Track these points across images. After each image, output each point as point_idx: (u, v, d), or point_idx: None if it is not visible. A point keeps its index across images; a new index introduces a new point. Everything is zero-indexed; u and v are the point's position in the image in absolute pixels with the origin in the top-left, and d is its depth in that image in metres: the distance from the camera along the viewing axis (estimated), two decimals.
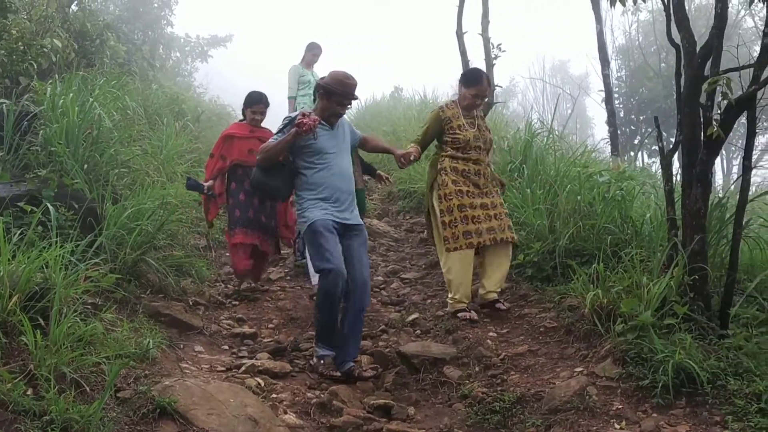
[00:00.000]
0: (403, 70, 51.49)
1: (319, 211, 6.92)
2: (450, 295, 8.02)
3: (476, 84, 8.17)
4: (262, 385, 6.43)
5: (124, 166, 9.08)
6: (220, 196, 9.41)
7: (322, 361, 6.88)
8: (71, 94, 9.10)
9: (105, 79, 11.55)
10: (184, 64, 26.49)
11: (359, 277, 6.92)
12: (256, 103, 9.40)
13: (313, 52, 13.95)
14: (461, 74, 8.57)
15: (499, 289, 8.07)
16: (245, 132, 9.36)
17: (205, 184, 9.19)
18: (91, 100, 9.27)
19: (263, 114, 9.50)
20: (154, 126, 12.51)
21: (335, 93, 7.09)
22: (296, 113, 7.13)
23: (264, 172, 7.14)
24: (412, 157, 7.75)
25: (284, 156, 7.14)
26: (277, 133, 7.19)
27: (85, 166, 8.25)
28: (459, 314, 7.80)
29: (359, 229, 7.20)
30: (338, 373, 6.76)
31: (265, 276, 9.85)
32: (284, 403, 6.18)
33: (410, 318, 8.30)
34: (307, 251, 8.85)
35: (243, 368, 6.74)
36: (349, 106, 7.50)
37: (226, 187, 9.40)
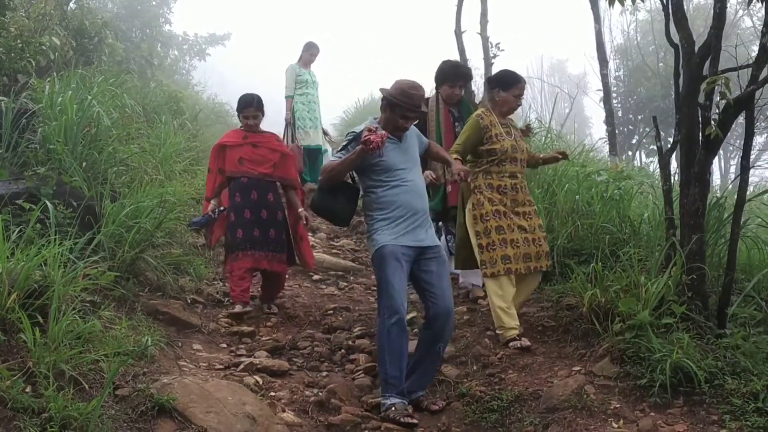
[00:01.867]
0: (401, 69, 51.42)
1: (389, 234, 6.21)
2: (497, 326, 7.20)
3: (517, 82, 7.46)
4: (261, 383, 6.45)
5: (123, 164, 9.08)
6: (225, 210, 8.54)
7: (393, 408, 6.00)
8: (69, 92, 9.09)
9: (103, 77, 11.54)
10: (182, 62, 26.48)
11: (442, 305, 6.24)
12: (246, 106, 8.62)
13: (310, 52, 13.92)
14: (492, 79, 7.72)
15: (518, 309, 7.39)
16: (238, 139, 8.61)
17: (209, 210, 8.43)
18: (89, 98, 9.26)
19: (257, 118, 8.66)
20: (153, 124, 12.50)
21: (398, 105, 6.32)
22: (361, 127, 6.38)
23: (326, 193, 6.55)
24: (469, 176, 6.97)
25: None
26: (341, 150, 6.46)
27: (84, 164, 8.25)
28: (511, 344, 7.03)
29: (437, 251, 6.43)
30: (415, 420, 5.98)
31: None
32: (282, 401, 6.19)
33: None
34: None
35: (241, 366, 6.75)
36: (415, 119, 6.62)
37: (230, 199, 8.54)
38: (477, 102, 10.05)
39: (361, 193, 6.60)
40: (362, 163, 6.31)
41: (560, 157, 7.73)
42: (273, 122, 16.00)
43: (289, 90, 13.43)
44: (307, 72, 13.71)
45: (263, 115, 8.77)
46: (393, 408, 5.98)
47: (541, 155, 7.85)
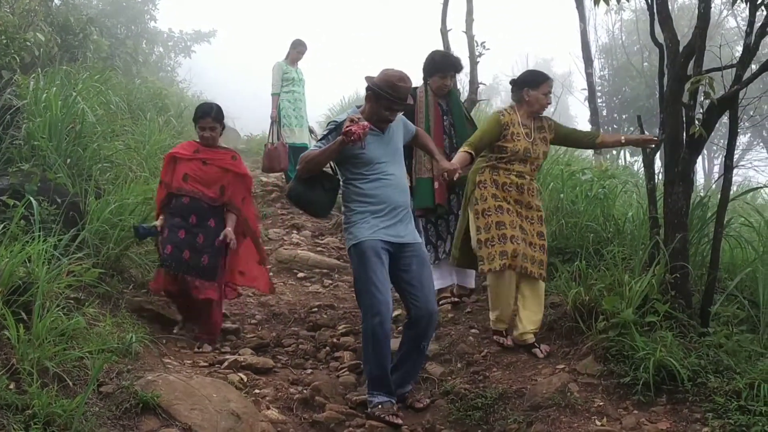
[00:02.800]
0: (386, 67, 51.49)
1: (367, 228, 6.04)
2: (490, 314, 7.16)
3: (545, 80, 7.16)
4: (245, 380, 6.45)
5: (107, 160, 9.05)
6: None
7: (380, 405, 5.96)
8: (54, 89, 9.08)
9: (88, 73, 11.52)
10: (167, 59, 26.41)
11: (424, 307, 6.09)
12: (203, 116, 7.53)
13: (297, 50, 13.88)
14: (519, 80, 7.33)
15: (536, 329, 7.03)
16: (188, 152, 7.56)
17: (157, 222, 7.43)
18: (74, 94, 9.24)
19: (214, 130, 7.55)
20: (137, 121, 12.48)
21: (384, 97, 6.08)
22: (343, 117, 6.20)
23: (303, 183, 6.29)
24: (456, 176, 6.57)
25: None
26: (321, 139, 6.26)
27: (68, 160, 8.23)
28: (494, 336, 7.10)
29: (417, 248, 6.27)
30: (400, 421, 5.94)
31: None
32: (267, 398, 6.20)
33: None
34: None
35: (226, 363, 6.76)
36: (400, 111, 6.45)
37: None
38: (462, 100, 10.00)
39: (341, 184, 6.43)
40: (342, 154, 6.14)
41: (651, 139, 7.15)
42: (261, 119, 16.04)
43: (275, 87, 13.36)
44: (294, 70, 13.67)
45: (222, 128, 7.73)
46: (379, 406, 5.94)
47: (623, 137, 7.69)
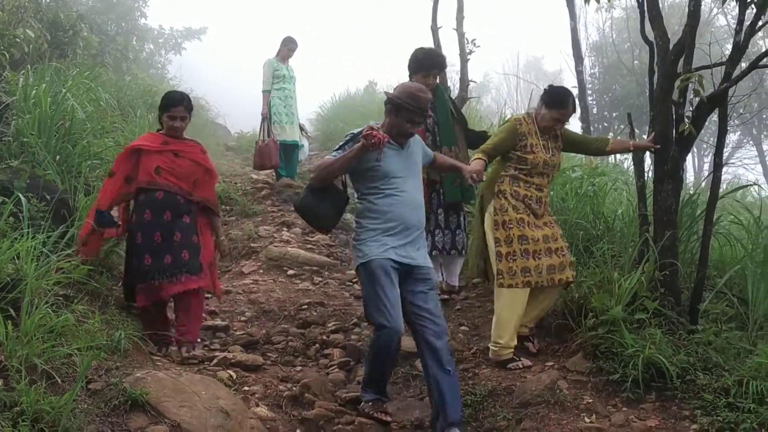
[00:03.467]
0: (377, 65, 51.37)
1: (377, 246, 5.77)
2: (494, 339, 6.76)
3: (560, 107, 6.88)
4: (234, 377, 6.44)
5: (97, 157, 9.00)
6: (119, 227, 7.09)
7: (370, 403, 5.92)
8: (44, 85, 9.05)
9: (78, 70, 11.48)
10: (158, 56, 26.34)
11: (435, 331, 5.71)
12: (175, 104, 7.06)
13: (288, 47, 13.83)
14: (545, 92, 7.08)
15: (532, 325, 7.04)
16: (156, 144, 7.06)
17: (113, 213, 7.06)
18: (63, 91, 9.21)
19: (184, 120, 7.11)
20: (127, 118, 12.43)
21: (405, 108, 5.86)
22: (359, 129, 5.95)
23: (314, 194, 6.04)
24: (483, 177, 6.54)
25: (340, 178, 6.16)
26: (337, 149, 5.97)
27: (58, 157, 8.20)
28: (510, 365, 6.60)
29: (427, 273, 5.94)
30: (389, 418, 5.90)
31: (238, 270, 9.72)
32: (256, 395, 6.19)
33: None
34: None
35: (215, 361, 6.74)
36: (421, 125, 6.25)
37: (128, 218, 7.13)
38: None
39: (355, 199, 6.22)
40: (359, 165, 5.88)
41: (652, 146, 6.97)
42: (251, 116, 16.01)
43: (266, 84, 13.30)
44: (284, 67, 13.63)
45: (190, 118, 7.27)
46: (370, 403, 5.91)
47: (632, 143, 7.24)
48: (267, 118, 13.14)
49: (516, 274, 6.63)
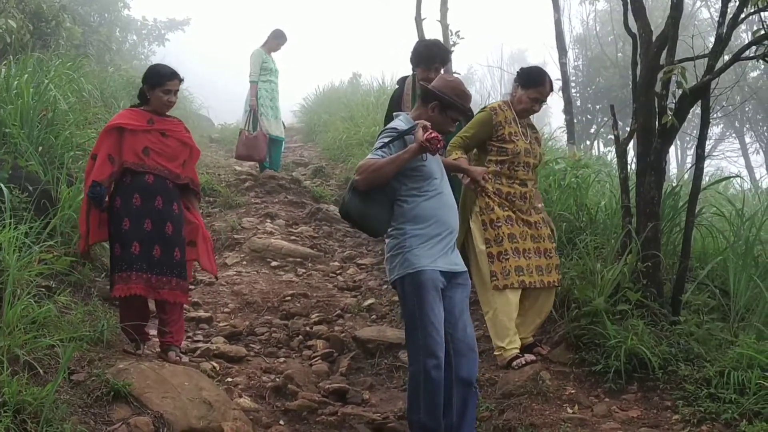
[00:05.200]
0: (361, 57, 51.35)
1: (427, 256, 5.19)
2: (496, 345, 6.46)
3: (537, 85, 6.65)
4: (218, 368, 6.46)
5: (80, 148, 8.96)
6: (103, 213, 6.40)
7: None
8: (26, 76, 9.00)
9: (60, 60, 11.42)
10: (141, 47, 26.23)
11: (462, 341, 5.22)
12: (171, 78, 6.52)
13: (278, 41, 13.66)
14: (518, 74, 6.86)
15: (535, 334, 6.75)
16: (142, 123, 6.46)
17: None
18: (46, 81, 9.17)
19: (177, 94, 6.64)
20: (111, 109, 12.36)
21: (453, 106, 5.42)
22: (402, 124, 5.45)
23: (362, 198, 5.32)
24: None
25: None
26: (381, 147, 5.32)
27: (40, 148, 8.16)
28: (514, 363, 6.30)
29: (465, 278, 5.46)
30: None
31: (221, 261, 9.68)
32: (239, 386, 6.21)
33: (366, 303, 8.33)
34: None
35: (198, 352, 6.76)
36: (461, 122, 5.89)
37: (109, 203, 6.38)
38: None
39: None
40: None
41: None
42: (234, 108, 15.97)
43: (254, 75, 13.14)
44: (271, 59, 13.57)
45: None
46: None
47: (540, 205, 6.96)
48: (255, 109, 13.03)
49: (510, 274, 6.38)
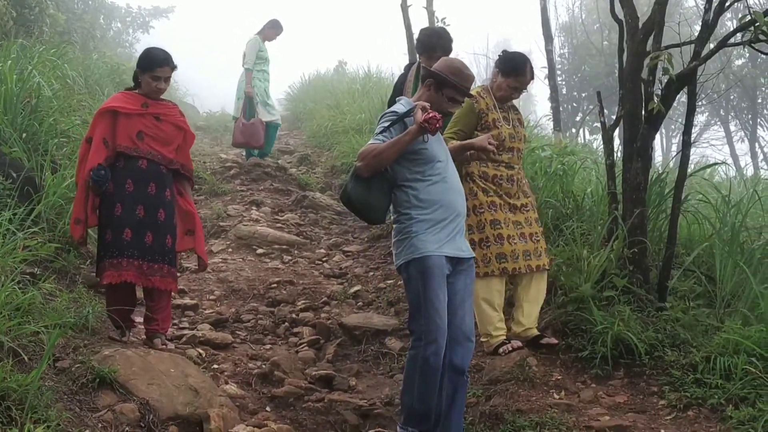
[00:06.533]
0: (347, 45, 51.24)
1: (433, 241, 5.11)
2: (482, 333, 6.31)
3: (517, 74, 6.48)
4: (204, 355, 6.43)
5: (64, 135, 8.91)
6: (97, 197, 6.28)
7: None
8: (9, 62, 8.92)
9: (44, 47, 11.35)
10: (125, 34, 26.12)
11: (459, 329, 5.15)
12: (162, 64, 6.33)
13: (275, 30, 13.63)
14: (499, 58, 6.68)
15: (537, 325, 6.48)
16: (136, 106, 6.32)
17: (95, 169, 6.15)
18: (30, 68, 9.10)
19: (167, 82, 6.46)
20: (95, 96, 12.31)
21: (452, 86, 5.31)
22: (401, 107, 5.37)
23: (364, 184, 5.26)
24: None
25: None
26: (382, 132, 5.23)
27: (24, 134, 8.10)
28: (501, 349, 6.20)
29: (470, 265, 5.37)
30: None
31: (207, 248, 9.61)
32: (225, 373, 6.18)
33: (352, 290, 8.32)
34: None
35: (184, 339, 6.72)
36: (460, 105, 5.66)
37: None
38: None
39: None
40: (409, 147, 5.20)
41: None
42: (219, 96, 15.91)
43: (250, 63, 13.08)
44: (266, 49, 13.56)
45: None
46: None
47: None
48: (252, 96, 12.99)
49: (491, 261, 6.26)
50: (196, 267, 7.31)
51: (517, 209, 6.45)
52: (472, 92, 6.28)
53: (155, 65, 6.29)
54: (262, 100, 13.13)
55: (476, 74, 6.82)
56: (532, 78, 6.69)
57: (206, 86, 24.83)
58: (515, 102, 6.89)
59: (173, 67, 6.42)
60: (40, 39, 12.68)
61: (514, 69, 6.50)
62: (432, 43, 7.76)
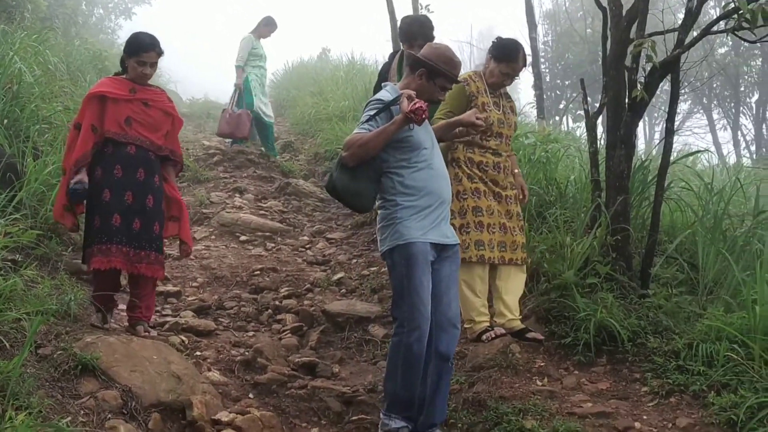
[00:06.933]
0: (331, 31, 51.17)
1: (418, 228, 5.10)
2: (465, 319, 6.18)
3: (509, 60, 6.42)
4: (186, 342, 6.41)
5: (46, 121, 8.85)
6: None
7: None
8: None
9: (26, 33, 11.28)
10: (108, 21, 26.01)
11: (444, 316, 5.16)
12: (148, 49, 6.25)
13: (269, 28, 13.78)
14: (493, 45, 6.62)
15: (519, 315, 6.33)
16: (124, 92, 6.25)
17: (79, 177, 6.06)
18: (11, 54, 9.04)
19: (154, 67, 6.38)
20: (77, 82, 12.25)
21: (441, 73, 5.29)
22: (388, 95, 5.31)
23: (350, 174, 5.22)
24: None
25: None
26: (368, 121, 5.20)
27: (5, 121, 8.05)
28: (484, 336, 6.06)
29: (455, 251, 5.38)
30: None
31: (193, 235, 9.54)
32: (208, 360, 6.17)
33: (336, 277, 8.32)
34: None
35: (167, 326, 6.70)
36: (449, 90, 5.58)
37: (89, 174, 6.15)
38: None
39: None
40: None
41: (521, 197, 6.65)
42: (201, 83, 15.84)
43: (240, 61, 13.22)
44: (260, 46, 13.62)
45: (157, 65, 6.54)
46: None
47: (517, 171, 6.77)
48: (241, 90, 13.06)
49: (469, 247, 6.15)
50: (178, 254, 7.24)
51: (502, 198, 6.36)
52: (464, 75, 6.37)
53: (141, 50, 6.21)
54: (257, 96, 13.18)
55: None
56: (525, 65, 6.63)
57: (189, 73, 24.76)
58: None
59: (160, 53, 6.35)
60: (21, 25, 12.59)
61: (506, 55, 6.43)
62: (413, 31, 7.76)
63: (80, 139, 6.09)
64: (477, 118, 5.60)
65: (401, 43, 7.94)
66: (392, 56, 8.19)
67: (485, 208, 6.24)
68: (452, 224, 5.87)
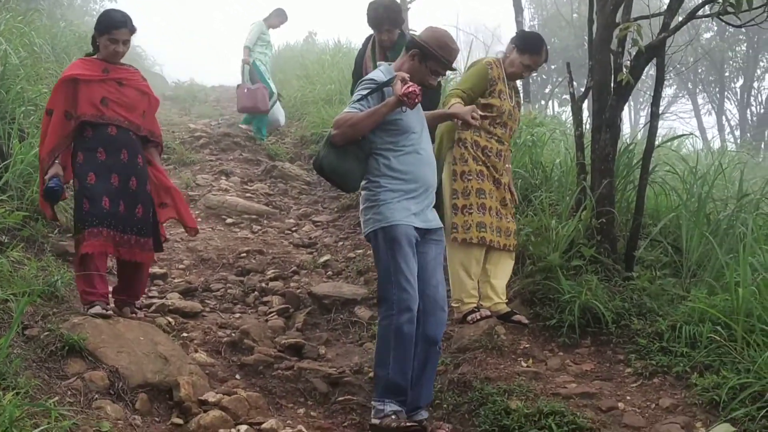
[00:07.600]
0: (317, 16, 50.96)
1: (401, 210, 5.09)
2: (454, 299, 6.32)
3: (533, 53, 6.46)
4: (173, 324, 6.42)
5: (32, 103, 8.83)
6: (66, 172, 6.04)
7: (393, 415, 4.95)
8: None
9: (11, 14, 11.24)
10: (93, 2, 25.83)
11: (432, 299, 5.14)
12: (119, 26, 5.98)
13: (280, 19, 14.05)
14: (517, 36, 6.74)
15: (506, 299, 6.44)
16: (96, 72, 6.02)
17: (53, 171, 5.89)
18: None
19: (126, 45, 6.10)
20: (62, 64, 12.13)
21: (434, 57, 5.20)
22: (382, 76, 5.26)
23: (337, 152, 5.16)
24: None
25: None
26: (359, 100, 5.15)
27: None
28: (469, 317, 6.21)
29: (440, 235, 5.35)
30: (414, 423, 5.01)
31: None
32: (195, 341, 6.18)
33: (322, 260, 8.33)
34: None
35: (153, 307, 6.71)
36: (443, 76, 5.73)
37: (71, 161, 6.04)
38: None
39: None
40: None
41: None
42: (185, 66, 15.76)
43: (250, 42, 13.44)
44: (269, 34, 13.75)
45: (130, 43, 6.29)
46: (393, 416, 4.95)
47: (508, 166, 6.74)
48: (251, 67, 13.20)
49: (471, 228, 6.22)
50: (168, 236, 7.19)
51: (500, 185, 6.43)
52: (489, 59, 6.49)
53: (112, 27, 5.98)
54: (263, 79, 13.28)
55: None
56: (546, 60, 6.70)
57: (175, 55, 24.68)
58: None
59: (132, 30, 6.08)
60: (6, 6, 12.51)
61: (530, 47, 6.48)
62: (379, 16, 7.69)
63: (53, 126, 5.91)
64: (473, 117, 5.64)
65: (373, 29, 7.83)
66: (365, 42, 8.16)
67: (488, 191, 6.34)
68: (454, 204, 6.16)
